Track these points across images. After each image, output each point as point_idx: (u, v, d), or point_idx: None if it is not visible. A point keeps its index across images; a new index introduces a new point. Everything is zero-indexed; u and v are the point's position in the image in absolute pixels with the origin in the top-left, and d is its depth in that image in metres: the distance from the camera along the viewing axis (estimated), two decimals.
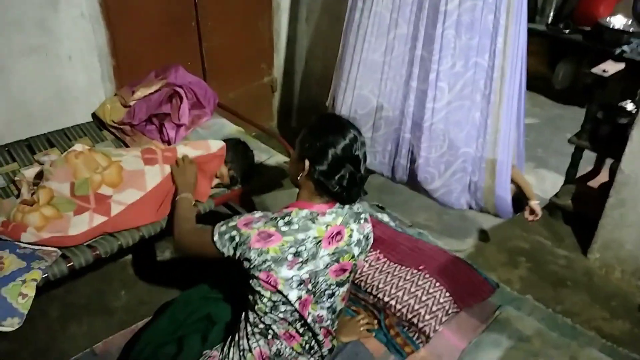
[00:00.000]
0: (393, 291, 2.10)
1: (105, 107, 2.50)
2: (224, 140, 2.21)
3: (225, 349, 1.58)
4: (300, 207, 1.44)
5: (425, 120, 2.04)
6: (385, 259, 2.31)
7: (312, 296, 1.49)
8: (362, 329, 2.01)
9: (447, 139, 2.04)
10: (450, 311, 2.10)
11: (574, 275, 2.36)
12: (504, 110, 1.96)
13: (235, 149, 2.18)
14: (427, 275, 2.17)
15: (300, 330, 1.52)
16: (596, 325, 2.11)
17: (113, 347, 1.91)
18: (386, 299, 2.08)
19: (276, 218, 1.41)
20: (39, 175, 2.05)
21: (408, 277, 2.17)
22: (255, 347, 1.50)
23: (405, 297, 2.08)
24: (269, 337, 1.50)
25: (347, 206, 1.52)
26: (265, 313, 1.46)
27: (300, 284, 1.44)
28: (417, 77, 2.07)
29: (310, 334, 1.55)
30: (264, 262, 1.38)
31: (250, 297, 1.47)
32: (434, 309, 2.06)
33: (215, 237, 1.44)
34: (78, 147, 2.07)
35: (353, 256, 1.53)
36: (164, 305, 1.98)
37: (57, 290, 2.13)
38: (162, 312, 1.85)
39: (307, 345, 1.56)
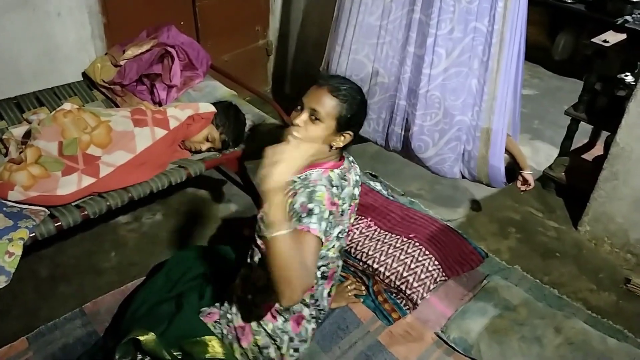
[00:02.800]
0: (382, 258, 2.11)
1: (96, 66, 2.45)
2: (215, 104, 2.18)
3: (226, 304, 1.61)
4: (330, 168, 1.49)
5: (421, 87, 2.00)
6: (376, 226, 2.32)
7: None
8: (350, 294, 2.04)
9: (442, 106, 2.01)
10: (438, 279, 2.12)
11: (563, 247, 2.37)
12: (502, 77, 1.93)
13: (227, 112, 2.15)
14: (417, 244, 2.18)
15: (316, 281, 1.56)
16: (583, 296, 2.13)
17: (102, 307, 1.92)
18: (375, 265, 2.09)
19: (330, 186, 1.44)
20: (28, 135, 2.02)
21: (398, 245, 2.18)
22: (265, 301, 1.54)
23: (395, 265, 2.09)
24: None
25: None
26: None
27: (339, 238, 1.54)
28: (414, 42, 2.02)
29: (322, 282, 1.60)
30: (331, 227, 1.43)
31: None
32: (423, 276, 2.07)
33: (322, 236, 1.33)
34: (67, 105, 2.04)
35: (355, 196, 1.63)
36: (157, 266, 1.99)
37: (47, 250, 2.12)
38: (155, 272, 1.86)
39: (315, 293, 1.60)
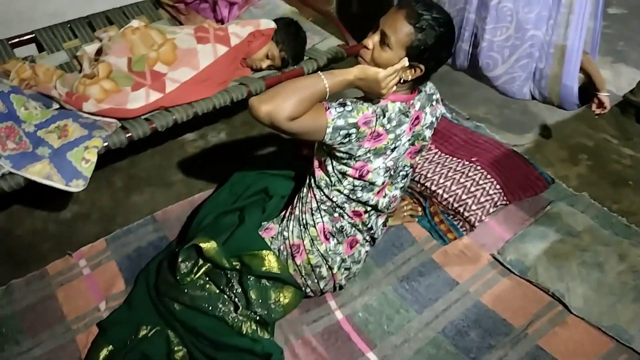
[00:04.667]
0: (442, 181, 2.10)
1: None
2: (276, 20, 2.16)
3: (284, 222, 1.67)
4: (392, 100, 1.42)
5: None
6: (437, 150, 2.28)
7: (390, 179, 1.55)
8: (405, 214, 2.05)
9: (514, 19, 1.87)
10: (498, 203, 2.08)
11: (638, 176, 2.23)
12: None
13: (287, 29, 2.12)
14: (479, 167, 2.14)
15: (368, 209, 1.58)
16: None
17: (172, 215, 2.06)
18: (433, 187, 2.08)
19: (380, 116, 1.39)
20: (100, 52, 2.11)
21: (458, 168, 2.14)
22: (318, 223, 1.58)
23: (454, 187, 2.07)
24: (336, 214, 1.57)
25: (423, 90, 1.51)
26: (340, 192, 1.51)
27: (387, 171, 1.50)
28: None
29: (374, 213, 1.62)
30: (366, 155, 1.42)
31: (326, 179, 1.51)
32: (482, 200, 2.05)
33: (329, 130, 1.33)
34: (134, 23, 2.10)
35: (424, 138, 1.57)
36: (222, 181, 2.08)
37: (122, 162, 2.27)
38: (219, 187, 1.95)
39: (369, 222, 1.63)
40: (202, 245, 1.59)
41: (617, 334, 1.66)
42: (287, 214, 1.68)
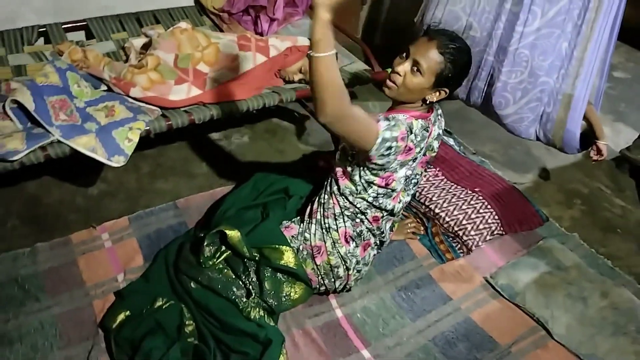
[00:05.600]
0: (445, 205, 2.25)
1: None
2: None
3: (304, 224, 1.79)
4: (415, 118, 1.56)
5: (512, 43, 2.06)
6: (443, 177, 2.44)
7: (404, 186, 1.70)
8: (409, 231, 2.19)
9: (529, 65, 2.07)
10: (495, 232, 2.23)
11: (627, 225, 2.40)
12: (592, 44, 1.95)
13: None
14: (481, 197, 2.29)
15: (385, 214, 1.73)
16: (637, 272, 2.17)
17: (193, 204, 2.19)
18: (437, 210, 2.23)
19: (409, 132, 1.53)
20: (145, 46, 2.29)
21: (462, 196, 2.30)
22: (341, 227, 1.72)
23: (456, 212, 2.22)
24: (357, 220, 1.72)
25: (435, 107, 1.68)
26: (365, 199, 1.66)
27: (407, 179, 1.66)
28: None
29: (387, 218, 1.77)
30: (395, 166, 1.57)
31: (351, 187, 1.65)
32: (481, 227, 2.20)
33: (379, 140, 1.45)
34: (183, 24, 2.27)
35: (433, 149, 1.74)
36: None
37: (150, 150, 2.42)
38: (241, 184, 2.09)
39: (382, 226, 1.78)
40: (227, 232, 1.71)
41: None
42: (308, 217, 1.79)
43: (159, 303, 1.73)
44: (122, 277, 1.88)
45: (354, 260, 1.76)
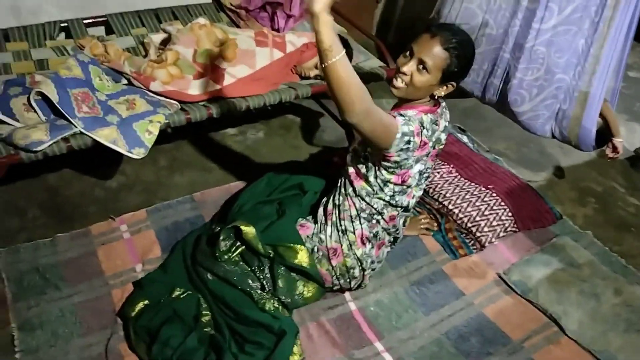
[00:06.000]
0: (459, 201, 2.26)
1: None
2: None
3: (319, 225, 1.79)
4: (424, 112, 1.58)
5: (528, 40, 2.07)
6: (457, 174, 2.45)
7: (417, 181, 1.70)
8: (422, 227, 2.21)
9: (545, 62, 2.07)
10: (509, 229, 2.24)
11: None
12: (609, 42, 1.95)
13: None
14: (494, 194, 2.30)
15: (400, 211, 1.74)
16: None
17: (209, 198, 2.23)
18: (450, 206, 2.24)
19: (422, 127, 1.55)
20: (163, 42, 2.32)
21: (475, 193, 2.31)
22: (357, 229, 1.73)
23: (469, 209, 2.23)
24: (373, 221, 1.73)
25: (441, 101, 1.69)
26: (382, 199, 1.67)
27: (420, 174, 1.67)
28: None
29: (401, 215, 1.78)
30: (410, 162, 1.59)
31: (367, 188, 1.66)
32: (494, 224, 2.21)
33: (399, 135, 1.48)
34: (201, 20, 2.31)
35: (441, 141, 1.73)
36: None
37: (168, 145, 2.46)
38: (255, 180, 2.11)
39: (399, 223, 1.80)
40: (243, 228, 1.73)
41: (607, 359, 1.80)
42: (323, 218, 1.79)
43: (176, 293, 1.76)
44: (140, 267, 1.92)
45: (369, 260, 1.78)
